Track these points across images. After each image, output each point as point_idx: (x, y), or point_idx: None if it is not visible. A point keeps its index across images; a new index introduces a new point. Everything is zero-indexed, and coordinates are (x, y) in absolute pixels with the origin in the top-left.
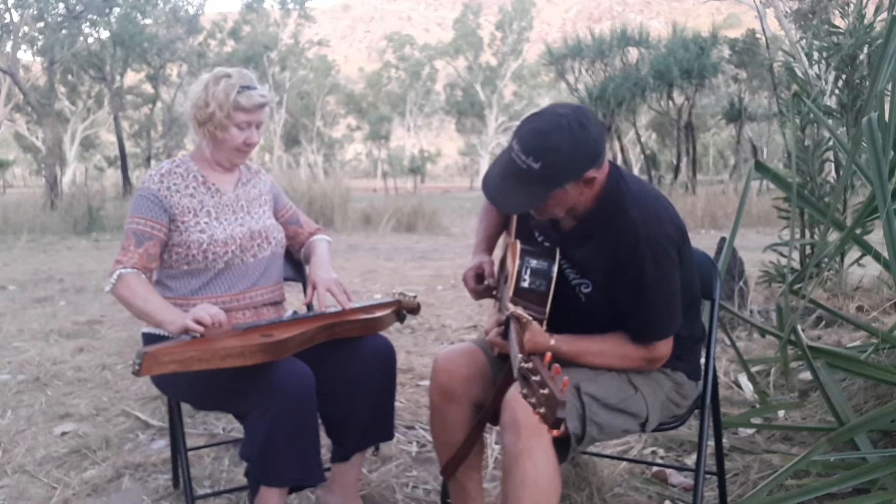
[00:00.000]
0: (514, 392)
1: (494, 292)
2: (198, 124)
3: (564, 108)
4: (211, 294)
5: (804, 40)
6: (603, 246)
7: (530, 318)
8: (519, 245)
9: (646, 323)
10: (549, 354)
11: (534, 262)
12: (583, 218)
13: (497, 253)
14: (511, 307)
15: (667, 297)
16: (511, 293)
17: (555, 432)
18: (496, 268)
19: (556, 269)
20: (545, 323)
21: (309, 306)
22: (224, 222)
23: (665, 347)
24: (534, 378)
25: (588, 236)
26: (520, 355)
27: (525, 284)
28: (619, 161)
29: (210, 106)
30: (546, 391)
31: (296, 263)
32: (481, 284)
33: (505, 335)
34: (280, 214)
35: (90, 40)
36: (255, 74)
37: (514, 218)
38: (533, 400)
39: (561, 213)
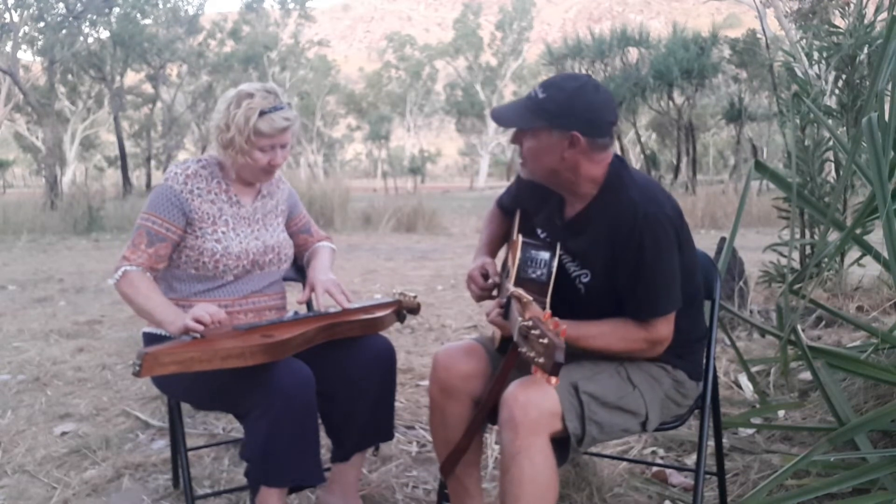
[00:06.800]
0: (512, 390)
1: (495, 292)
2: (221, 147)
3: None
4: (214, 298)
5: (804, 40)
6: (603, 229)
7: (531, 298)
8: (521, 238)
9: (644, 300)
10: (548, 313)
11: (535, 253)
12: (585, 205)
13: (500, 257)
14: (513, 289)
15: (665, 274)
16: (512, 283)
17: (553, 380)
18: (499, 268)
19: (556, 260)
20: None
21: (309, 306)
22: (241, 234)
23: (665, 328)
24: (533, 332)
25: (589, 223)
26: (519, 318)
27: (526, 275)
28: None
29: (230, 130)
30: (545, 340)
31: (299, 266)
32: (486, 282)
33: (506, 316)
34: (294, 223)
35: (90, 40)
36: (280, 90)
37: (517, 224)
38: (532, 353)
39: (532, 167)
